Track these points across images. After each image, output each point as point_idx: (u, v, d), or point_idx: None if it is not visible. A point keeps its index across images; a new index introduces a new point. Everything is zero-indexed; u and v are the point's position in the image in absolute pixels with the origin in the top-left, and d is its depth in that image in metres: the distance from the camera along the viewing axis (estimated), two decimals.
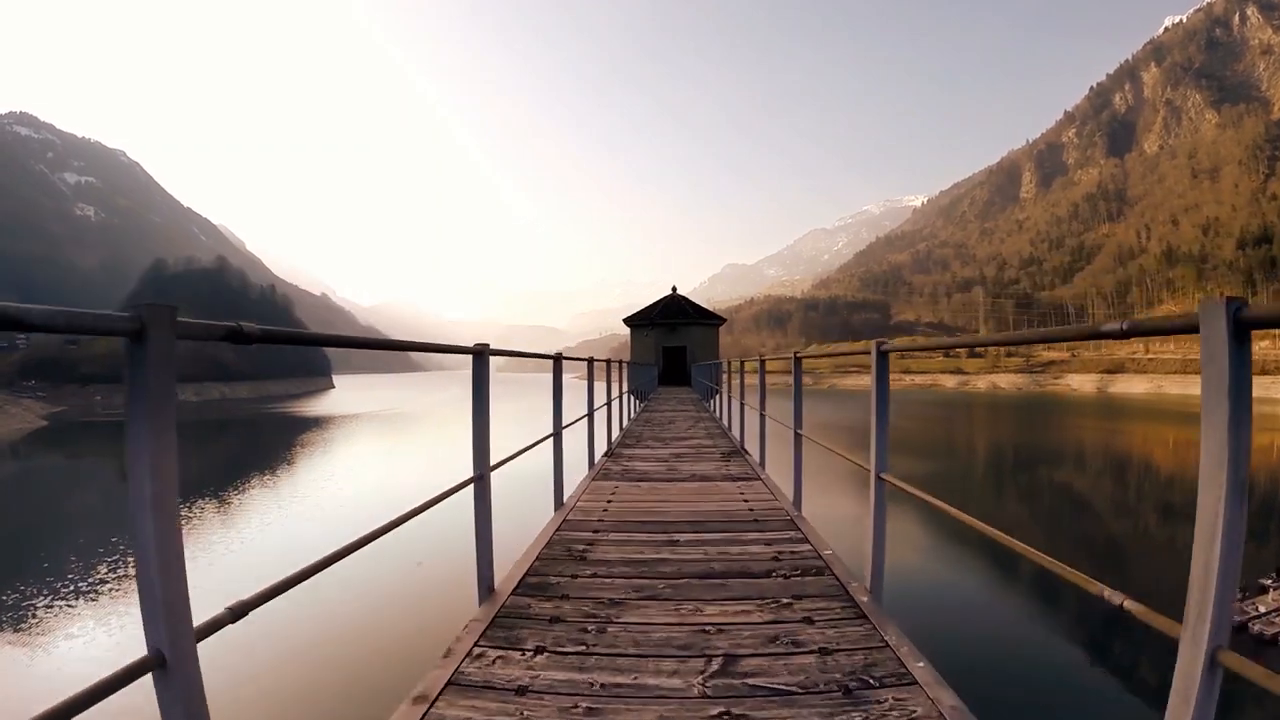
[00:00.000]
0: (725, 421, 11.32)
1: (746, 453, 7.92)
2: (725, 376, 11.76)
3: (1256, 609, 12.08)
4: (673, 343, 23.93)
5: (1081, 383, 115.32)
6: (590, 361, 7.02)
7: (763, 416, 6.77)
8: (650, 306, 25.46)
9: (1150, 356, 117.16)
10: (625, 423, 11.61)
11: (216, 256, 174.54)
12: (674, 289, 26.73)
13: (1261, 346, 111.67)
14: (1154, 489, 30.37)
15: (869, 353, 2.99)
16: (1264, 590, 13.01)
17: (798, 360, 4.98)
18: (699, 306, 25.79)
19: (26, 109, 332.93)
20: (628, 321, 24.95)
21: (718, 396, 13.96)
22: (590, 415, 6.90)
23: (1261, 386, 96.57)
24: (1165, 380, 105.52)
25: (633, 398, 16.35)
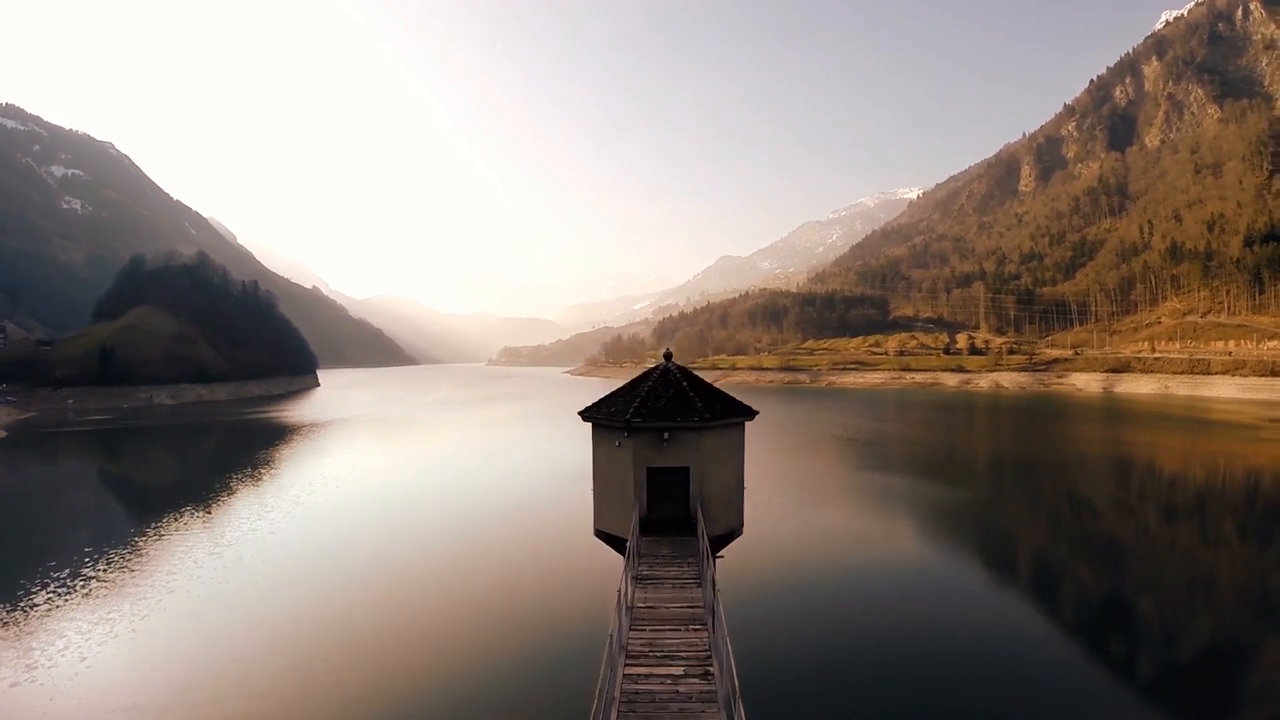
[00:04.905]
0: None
1: None
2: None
3: None
4: (665, 462, 13.30)
5: (1087, 382, 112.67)
6: None
7: None
8: (624, 391, 14.72)
9: (1156, 355, 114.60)
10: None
11: (197, 251, 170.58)
12: (667, 356, 15.40)
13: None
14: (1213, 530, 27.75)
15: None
16: None
17: None
18: (709, 388, 14.70)
19: (13, 101, 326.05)
20: (586, 416, 14.43)
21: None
22: None
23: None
24: (1172, 380, 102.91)
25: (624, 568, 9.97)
